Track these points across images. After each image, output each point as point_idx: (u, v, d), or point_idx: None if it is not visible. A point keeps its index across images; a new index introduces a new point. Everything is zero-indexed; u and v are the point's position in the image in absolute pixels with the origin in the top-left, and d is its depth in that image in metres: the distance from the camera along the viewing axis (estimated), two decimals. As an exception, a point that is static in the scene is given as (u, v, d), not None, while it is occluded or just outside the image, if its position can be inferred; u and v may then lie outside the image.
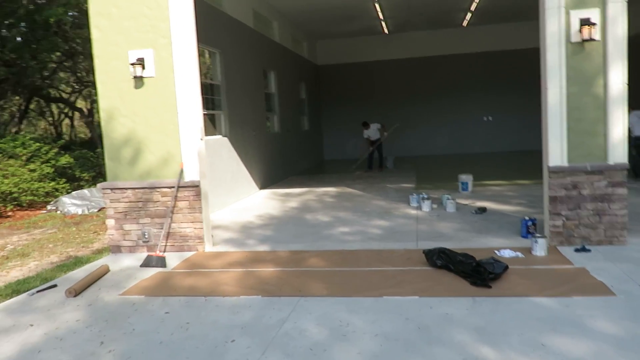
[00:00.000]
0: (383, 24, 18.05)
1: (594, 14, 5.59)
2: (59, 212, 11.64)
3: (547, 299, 4.38)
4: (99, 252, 7.17)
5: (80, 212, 11.41)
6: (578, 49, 5.70)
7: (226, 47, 10.62)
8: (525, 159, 16.29)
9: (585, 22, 5.54)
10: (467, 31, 19.64)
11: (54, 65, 20.91)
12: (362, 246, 6.48)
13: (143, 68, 6.44)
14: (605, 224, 5.88)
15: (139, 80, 6.54)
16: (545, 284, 4.76)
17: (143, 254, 6.54)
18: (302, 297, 4.73)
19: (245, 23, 11.91)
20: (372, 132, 15.48)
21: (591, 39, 5.56)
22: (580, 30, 5.58)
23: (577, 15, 5.62)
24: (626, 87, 5.67)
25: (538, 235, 5.82)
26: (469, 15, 17.55)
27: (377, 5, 15.21)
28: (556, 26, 5.68)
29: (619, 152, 5.76)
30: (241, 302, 4.70)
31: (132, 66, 6.42)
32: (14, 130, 22.84)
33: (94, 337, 4.10)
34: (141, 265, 6.08)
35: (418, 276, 5.17)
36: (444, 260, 5.32)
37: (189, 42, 6.44)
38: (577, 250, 5.77)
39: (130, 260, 6.40)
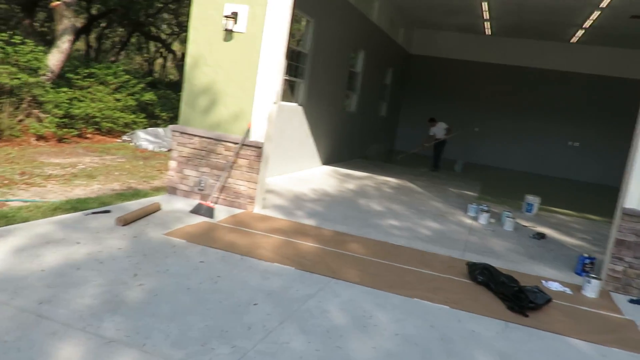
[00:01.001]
0: (486, 24, 17.32)
1: None
2: (132, 144, 12.24)
3: (584, 343, 4.13)
4: (157, 190, 7.48)
5: (151, 148, 11.93)
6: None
7: (321, 17, 10.58)
8: (602, 194, 15.34)
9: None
10: (573, 48, 18.48)
11: (160, 5, 21.76)
12: (406, 243, 6.36)
13: (235, 22, 6.54)
14: (671, 282, 5.44)
15: (229, 34, 6.66)
16: (587, 327, 4.48)
17: (195, 201, 6.76)
18: (333, 279, 4.72)
19: (345, -3, 11.79)
20: (439, 130, 15.09)
21: None
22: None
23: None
24: None
25: (593, 275, 5.47)
26: (580, 32, 16.49)
27: (484, 4, 14.59)
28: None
29: None
30: (273, 269, 4.76)
31: (225, 18, 6.54)
32: (112, 59, 24.12)
33: (130, 267, 4.29)
34: (190, 211, 6.29)
35: (455, 286, 5.02)
36: (486, 277, 5.13)
37: (284, 5, 6.46)
38: (632, 301, 5.38)
39: (182, 204, 6.63)
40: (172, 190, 7.09)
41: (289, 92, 10.61)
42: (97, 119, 12.55)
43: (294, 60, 10.17)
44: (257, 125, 6.65)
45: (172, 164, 7.07)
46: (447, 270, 5.51)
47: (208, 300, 3.89)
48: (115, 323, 3.33)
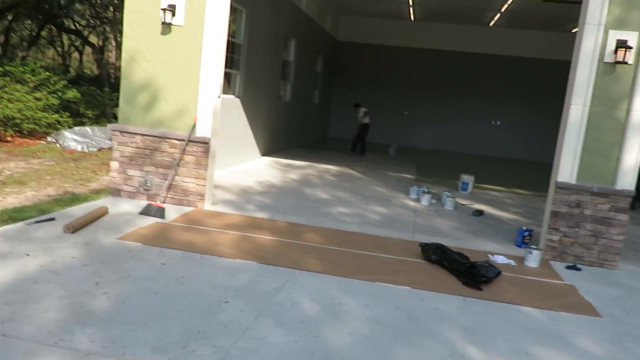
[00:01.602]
0: (411, 9, 17.82)
1: (632, 37, 5.56)
2: (58, 145, 11.60)
3: (535, 310, 4.46)
4: (97, 193, 7.18)
5: (79, 148, 11.37)
6: (609, 69, 5.68)
7: (254, 7, 10.47)
8: (527, 169, 16.37)
9: (622, 44, 5.51)
10: (492, 32, 19.46)
11: (74, -4, 20.58)
12: (359, 229, 6.53)
13: (173, 15, 6.36)
14: (600, 247, 5.95)
15: (167, 27, 6.46)
16: (534, 295, 4.84)
17: (142, 202, 6.57)
18: (297, 270, 4.78)
19: (274, -14, 11.72)
20: (362, 115, 15.34)
21: (624, 62, 5.54)
22: (615, 52, 5.56)
23: (615, 36, 5.58)
24: (648, 116, 5.68)
25: (534, 246, 5.89)
26: (497, 16, 17.36)
27: (408, -10, 15.01)
28: (592, 44, 5.65)
29: (628, 179, 5.80)
30: (237, 265, 4.75)
31: (162, 11, 6.34)
32: (21, 54, 22.57)
33: (90, 276, 4.14)
34: (140, 213, 6.11)
35: (412, 267, 5.24)
36: (440, 256, 5.39)
37: (221, -3, 6.35)
38: (568, 267, 5.85)
39: (128, 206, 6.42)
40: (115, 192, 6.84)
41: (226, 84, 10.45)
42: (16, 121, 11.76)
43: (229, 52, 9.99)
44: (202, 120, 6.54)
45: (114, 164, 6.81)
46: (401, 252, 5.72)
47: (178, 302, 3.84)
48: (87, 335, 3.22)
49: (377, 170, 12.27)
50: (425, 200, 8.54)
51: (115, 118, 15.54)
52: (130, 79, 6.69)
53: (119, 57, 21.30)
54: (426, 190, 8.74)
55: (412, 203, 8.52)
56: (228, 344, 3.30)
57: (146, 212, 6.08)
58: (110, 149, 11.59)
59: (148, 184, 6.70)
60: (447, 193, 8.64)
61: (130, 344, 3.16)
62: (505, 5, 15.60)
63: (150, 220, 5.89)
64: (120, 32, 19.63)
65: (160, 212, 6.06)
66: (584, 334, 4.08)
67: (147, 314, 3.58)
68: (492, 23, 18.64)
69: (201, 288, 4.14)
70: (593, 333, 4.11)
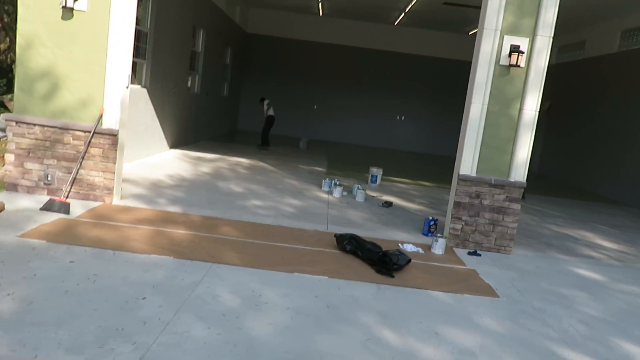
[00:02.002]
0: (320, 5, 18.07)
1: (523, 43, 6.09)
2: (-61, 135, 10.47)
3: (442, 294, 4.79)
4: (-11, 187, 6.62)
5: (-35, 139, 10.35)
6: (504, 71, 6.18)
7: (160, -5, 10.10)
8: (430, 162, 17.28)
9: (515, 49, 6.02)
10: (397, 30, 20.27)
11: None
12: (274, 222, 6.59)
13: None
14: (497, 234, 6.49)
15: (68, 12, 6.07)
16: (441, 279, 5.19)
17: (43, 197, 6.16)
18: (215, 264, 4.75)
19: (183, -26, 11.37)
20: (266, 107, 15.29)
21: (517, 65, 6.06)
22: (509, 55, 6.06)
23: (509, 41, 6.08)
24: (537, 114, 6.26)
25: (439, 235, 6.29)
26: (402, 15, 18.10)
27: (317, -14, 15.20)
28: (489, 47, 6.12)
29: (520, 171, 6.36)
30: (152, 260, 4.63)
31: (62, -5, 5.95)
32: None
33: (-10, 276, 3.84)
34: (41, 208, 5.72)
35: (328, 258, 5.40)
36: (354, 246, 5.59)
37: (129, -18, 6.09)
38: (469, 253, 6.32)
39: (27, 201, 5.99)
40: (11, 186, 6.34)
41: (132, 74, 10.00)
42: None
43: (135, 40, 9.54)
44: (110, 111, 6.24)
45: (10, 157, 6.31)
46: (317, 243, 5.86)
47: (92, 300, 3.68)
48: (-8, 339, 3.00)
49: (289, 163, 12.38)
50: (337, 192, 8.78)
51: (3, 106, 14.30)
52: (27, 65, 6.21)
53: (2, 39, 19.53)
54: (338, 182, 8.98)
55: (324, 195, 8.72)
56: (149, 340, 3.23)
57: (48, 207, 5.70)
58: (2, 140, 10.69)
59: (49, 178, 6.28)
60: (358, 185, 8.94)
61: (42, 346, 3.00)
62: (409, 6, 16.31)
63: (54, 216, 5.54)
64: (5, 11, 18.04)
65: (64, 208, 5.72)
66: (485, 313, 4.45)
67: (59, 314, 3.40)
68: (397, 22, 19.41)
69: (115, 285, 4.00)
70: (493, 312, 4.50)
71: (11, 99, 13.90)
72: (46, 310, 3.44)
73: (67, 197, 6.15)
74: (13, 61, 18.04)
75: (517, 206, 6.46)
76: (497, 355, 3.68)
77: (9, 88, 16.46)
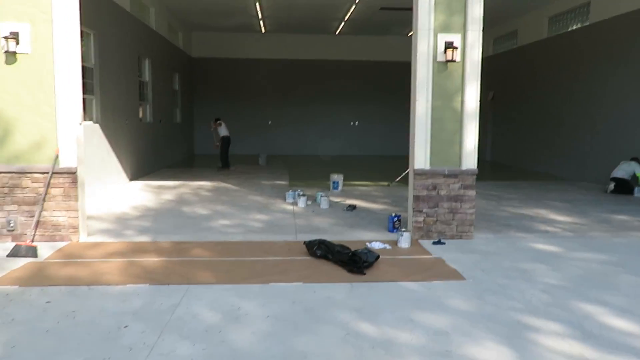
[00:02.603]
0: (261, 22, 18.33)
1: (456, 39, 6.47)
2: None
3: (412, 283, 5.03)
4: (-51, 242, 6.49)
5: None
6: (442, 67, 6.54)
7: (101, 29, 10.12)
8: (387, 163, 17.68)
9: (449, 45, 6.39)
10: (339, 39, 20.74)
11: None
12: (243, 238, 6.71)
13: (17, 43, 6.00)
14: (457, 221, 6.81)
15: (11, 56, 6.08)
16: (410, 271, 5.43)
17: (7, 244, 6.10)
18: (191, 285, 4.85)
19: (121, 6, 11.41)
20: (223, 129, 15.27)
21: (453, 60, 6.43)
22: (445, 52, 6.42)
23: (443, 39, 6.45)
24: (478, 104, 6.63)
25: (403, 229, 6.56)
26: (341, 25, 18.56)
27: (257, 4, 15.45)
28: (426, 46, 6.47)
29: (470, 160, 6.71)
30: (128, 290, 4.69)
31: (4, 39, 5.96)
32: None
33: (-33, 327, 3.84)
34: (8, 255, 5.68)
35: (300, 265, 5.57)
36: (323, 250, 5.78)
37: (71, 20, 6.15)
38: (434, 243, 6.61)
39: (-8, 250, 5.93)
40: (-28, 238, 6.25)
41: (83, 110, 9.94)
42: None
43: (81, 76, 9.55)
44: (65, 150, 6.25)
45: (-33, 208, 6.22)
46: (288, 253, 6.03)
47: (74, 335, 3.73)
48: (-20, 386, 3.04)
49: (251, 180, 12.50)
50: (302, 202, 8.96)
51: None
52: (-25, 114, 6.17)
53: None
54: (301, 193, 9.17)
55: (289, 207, 8.89)
56: (137, 364, 3.32)
57: (15, 253, 5.67)
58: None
59: (12, 224, 6.23)
60: (321, 193, 9.15)
61: (32, 385, 3.05)
62: (348, 14, 16.77)
63: (22, 261, 5.51)
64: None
65: (31, 251, 5.69)
66: (454, 295, 4.71)
67: (43, 353, 3.45)
68: (338, 31, 19.88)
69: (95, 318, 4.05)
70: (461, 293, 4.77)
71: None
72: (30, 351, 3.49)
73: (32, 241, 6.11)
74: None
75: (472, 193, 6.80)
76: (468, 332, 3.93)
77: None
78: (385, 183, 12.06)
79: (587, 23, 13.35)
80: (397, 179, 12.11)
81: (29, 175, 6.24)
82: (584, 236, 7.11)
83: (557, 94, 14.48)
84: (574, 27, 14.05)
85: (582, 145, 13.34)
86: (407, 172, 12.04)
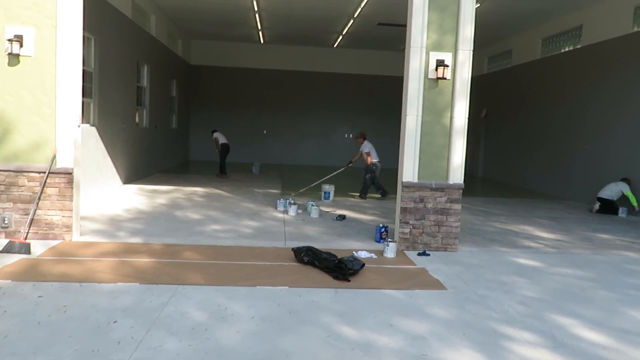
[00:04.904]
0: (260, 33, 18.60)
1: (447, 57, 6.69)
2: None
3: (395, 291, 5.19)
4: (-57, 237, 6.60)
5: None
6: (433, 84, 6.76)
7: (102, 34, 10.32)
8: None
9: (440, 63, 6.62)
10: (337, 52, 21.05)
11: None
12: (234, 243, 6.86)
13: (21, 46, 6.18)
14: (443, 233, 6.99)
15: (14, 58, 6.25)
16: (393, 279, 5.60)
17: (1, 240, 6.22)
18: (180, 285, 5.00)
19: (123, 12, 11.63)
20: (221, 136, 15.46)
21: (444, 78, 6.65)
22: (436, 69, 6.65)
23: (434, 57, 6.68)
24: (467, 120, 6.85)
25: (390, 240, 6.73)
26: (340, 38, 18.86)
27: (257, 16, 15.72)
28: (417, 63, 6.69)
29: (457, 174, 6.91)
30: (119, 288, 4.83)
31: (8, 42, 6.13)
32: None
33: (-39, 317, 3.97)
34: (1, 251, 5.80)
35: (287, 270, 5.72)
36: (311, 257, 5.94)
37: (75, 25, 6.34)
38: (419, 254, 6.78)
39: (-14, 246, 6.05)
40: (-33, 233, 6.37)
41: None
42: None
43: (80, 80, 9.73)
44: (63, 151, 6.41)
45: (-36, 204, 6.35)
46: (276, 258, 6.18)
47: (65, 328, 3.87)
48: (-26, 371, 3.17)
49: (244, 188, 12.65)
50: (293, 211, 9.13)
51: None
52: (-24, 112, 6.33)
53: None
54: (292, 202, 9.33)
55: (280, 215, 9.05)
56: (125, 357, 3.46)
57: (9, 249, 5.79)
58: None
59: (6, 221, 6.36)
60: (312, 203, 9.32)
61: (23, 372, 3.18)
62: (346, 28, 17.06)
63: (15, 257, 5.64)
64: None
65: (25, 248, 5.82)
66: (435, 304, 4.88)
67: (35, 344, 3.58)
68: (335, 44, 20.18)
69: (86, 313, 4.19)
70: (442, 302, 4.93)
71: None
72: (22, 341, 3.62)
73: (26, 238, 6.24)
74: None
75: (458, 206, 6.99)
76: (445, 338, 4.09)
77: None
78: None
79: (579, 45, 13.69)
80: (324, 179, 12.35)
81: (25, 173, 6.38)
82: (565, 253, 7.30)
83: (548, 113, 14.77)
84: (567, 49, 14.39)
85: (571, 164, 13.61)
86: (341, 169, 12.66)
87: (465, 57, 6.73)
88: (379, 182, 11.93)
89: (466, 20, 6.67)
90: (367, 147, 12.03)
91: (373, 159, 11.92)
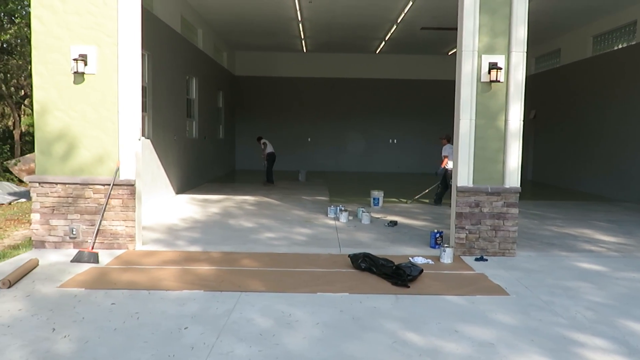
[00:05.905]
0: (303, 42, 18.82)
1: (500, 60, 6.61)
2: (-46, 205, 10.86)
3: (456, 297, 5.15)
4: (15, 248, 6.93)
5: (-21, 206, 10.74)
6: (486, 88, 6.68)
7: (155, 50, 10.69)
8: (426, 181, 17.69)
9: (493, 66, 6.54)
10: (379, 58, 21.04)
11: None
12: (288, 250, 6.95)
13: (85, 64, 6.48)
14: (500, 238, 6.87)
15: (79, 76, 6.57)
16: (453, 285, 5.55)
17: (70, 250, 6.52)
18: (243, 292, 5.11)
19: (173, 28, 12.01)
20: (269, 145, 15.58)
21: (497, 81, 6.56)
22: (488, 72, 6.57)
23: (487, 60, 6.61)
24: (522, 123, 6.73)
25: (446, 245, 6.67)
26: (382, 44, 18.85)
27: (300, 25, 15.92)
28: (470, 67, 6.63)
29: (514, 178, 6.79)
30: (185, 296, 4.98)
31: (73, 61, 6.44)
32: None
33: (43, 324, 4.18)
34: (72, 260, 6.08)
35: (345, 277, 5.76)
36: (368, 263, 5.96)
37: (134, 43, 6.60)
38: (476, 259, 6.68)
39: (57, 256, 6.34)
40: (39, 244, 6.70)
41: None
42: None
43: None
44: (125, 163, 6.67)
45: (35, 216, 6.69)
46: (333, 265, 6.23)
47: (139, 334, 4.02)
48: (61, 375, 3.34)
49: (292, 195, 12.79)
50: (344, 217, 9.16)
51: (7, 172, 14.73)
52: (44, 129, 6.67)
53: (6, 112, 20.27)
54: (343, 208, 9.37)
55: (331, 222, 9.11)
56: (199, 362, 3.57)
57: (79, 259, 6.06)
58: (10, 204, 11.10)
59: (74, 232, 6.66)
60: (362, 209, 9.34)
61: (107, 376, 3.33)
62: (389, 34, 17.05)
63: (85, 267, 5.90)
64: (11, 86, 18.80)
65: (94, 257, 6.08)
66: (498, 310, 4.81)
67: (113, 349, 3.74)
68: (378, 50, 20.17)
69: (157, 320, 4.34)
70: (505, 308, 4.85)
71: (15, 164, 14.35)
72: (101, 346, 3.79)
73: (93, 248, 6.51)
74: (14, 128, 18.59)
75: (515, 210, 6.86)
76: (513, 344, 4.03)
77: (12, 154, 16.96)
78: (404, 200, 12.11)
79: (634, 42, 13.21)
80: (417, 197, 12.21)
81: (91, 186, 6.67)
82: (629, 256, 7.05)
83: (601, 113, 14.30)
84: (620, 46, 13.91)
85: (627, 165, 13.11)
86: (426, 191, 12.47)
87: (518, 59, 6.63)
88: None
89: (519, 21, 6.57)
90: (447, 150, 11.15)
91: (450, 165, 10.94)
